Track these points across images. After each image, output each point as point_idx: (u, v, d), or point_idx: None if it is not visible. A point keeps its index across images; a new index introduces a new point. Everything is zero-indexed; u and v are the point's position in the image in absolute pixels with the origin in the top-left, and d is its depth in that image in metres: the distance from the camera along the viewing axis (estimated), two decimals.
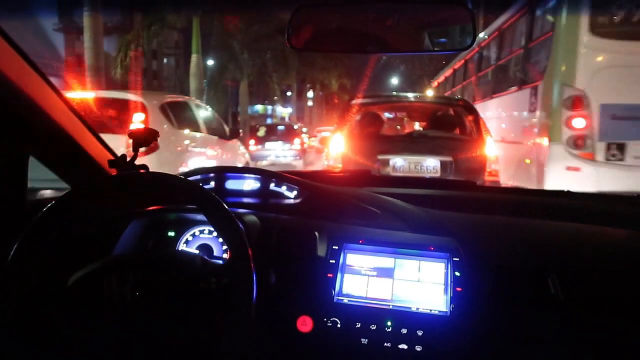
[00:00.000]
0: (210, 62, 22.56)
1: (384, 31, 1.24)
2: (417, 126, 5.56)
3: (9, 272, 0.90)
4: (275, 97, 28.87)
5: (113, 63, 14.33)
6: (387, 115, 5.88)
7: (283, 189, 1.48)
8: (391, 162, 4.09)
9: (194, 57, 16.45)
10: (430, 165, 4.05)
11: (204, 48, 18.24)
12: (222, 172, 1.54)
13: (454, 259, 1.11)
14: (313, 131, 22.85)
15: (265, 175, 1.51)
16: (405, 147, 4.19)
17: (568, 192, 1.70)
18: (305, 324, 1.06)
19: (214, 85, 21.47)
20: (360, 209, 1.34)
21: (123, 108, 5.31)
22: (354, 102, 4.93)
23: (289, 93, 33.60)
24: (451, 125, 4.64)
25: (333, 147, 4.27)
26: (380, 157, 4.11)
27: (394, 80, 40.96)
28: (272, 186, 1.49)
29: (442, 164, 4.03)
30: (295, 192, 1.46)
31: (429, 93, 11.93)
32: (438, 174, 4.03)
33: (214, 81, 21.41)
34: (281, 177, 1.50)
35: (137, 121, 5.07)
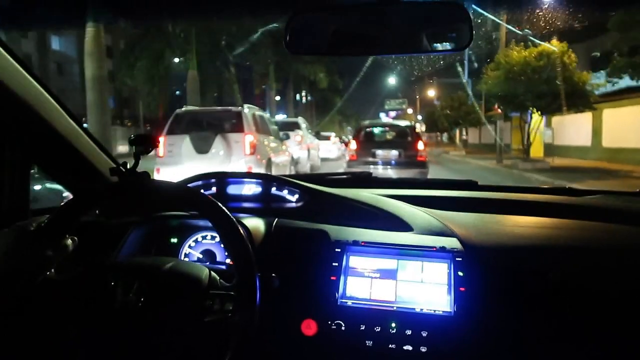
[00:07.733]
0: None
1: (381, 33, 1.24)
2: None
3: (10, 279, 0.90)
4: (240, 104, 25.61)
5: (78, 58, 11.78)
6: (381, 129, 11.05)
7: (284, 193, 1.48)
8: (377, 152, 9.65)
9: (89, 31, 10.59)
10: (394, 153, 9.55)
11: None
12: (223, 178, 1.54)
13: (457, 259, 1.11)
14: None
15: (266, 180, 1.51)
16: (384, 146, 9.97)
17: (570, 189, 1.70)
18: (309, 327, 1.06)
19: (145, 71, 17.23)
20: (361, 210, 1.34)
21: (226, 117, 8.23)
22: (361, 125, 11.62)
23: (277, 98, 30.40)
24: (404, 135, 10.28)
25: (352, 145, 10.03)
26: (372, 150, 9.70)
27: (392, 80, 40.99)
28: (273, 190, 1.50)
29: (399, 153, 9.51)
30: (296, 196, 1.46)
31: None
32: (397, 157, 9.44)
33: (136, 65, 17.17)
34: (282, 180, 1.50)
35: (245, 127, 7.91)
